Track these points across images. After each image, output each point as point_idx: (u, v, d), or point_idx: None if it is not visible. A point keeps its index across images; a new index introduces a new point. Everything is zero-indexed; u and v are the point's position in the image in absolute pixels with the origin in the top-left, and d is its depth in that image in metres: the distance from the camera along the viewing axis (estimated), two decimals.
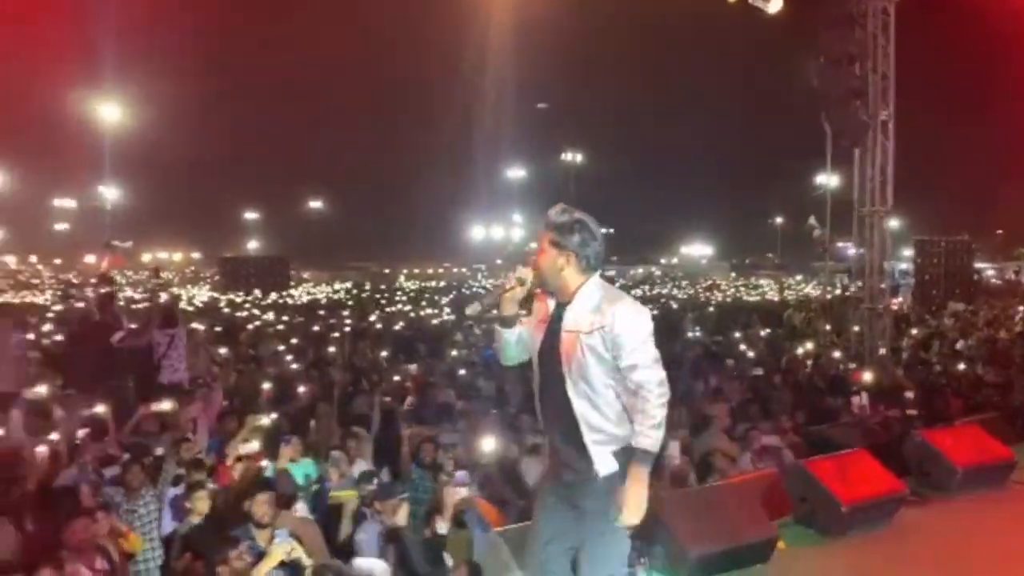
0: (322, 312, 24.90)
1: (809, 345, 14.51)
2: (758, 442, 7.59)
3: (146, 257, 66.08)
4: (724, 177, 76.71)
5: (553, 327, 3.27)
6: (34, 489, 6.50)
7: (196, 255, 72.68)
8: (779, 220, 71.93)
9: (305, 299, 36.99)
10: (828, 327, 17.05)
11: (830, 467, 5.56)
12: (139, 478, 6.52)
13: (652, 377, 3.07)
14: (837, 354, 13.84)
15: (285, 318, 22.64)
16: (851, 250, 16.07)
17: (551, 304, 3.32)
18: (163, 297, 15.82)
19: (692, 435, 8.00)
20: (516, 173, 60.31)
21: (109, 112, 33.70)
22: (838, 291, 20.69)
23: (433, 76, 72.21)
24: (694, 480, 6.71)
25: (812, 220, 17.88)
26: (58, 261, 68.36)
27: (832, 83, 13.61)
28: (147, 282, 14.27)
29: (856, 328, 14.81)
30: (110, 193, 38.13)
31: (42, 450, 7.21)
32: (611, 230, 79.68)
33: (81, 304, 20.80)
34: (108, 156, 35.92)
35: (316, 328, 18.81)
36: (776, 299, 36.69)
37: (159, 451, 7.54)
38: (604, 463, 3.12)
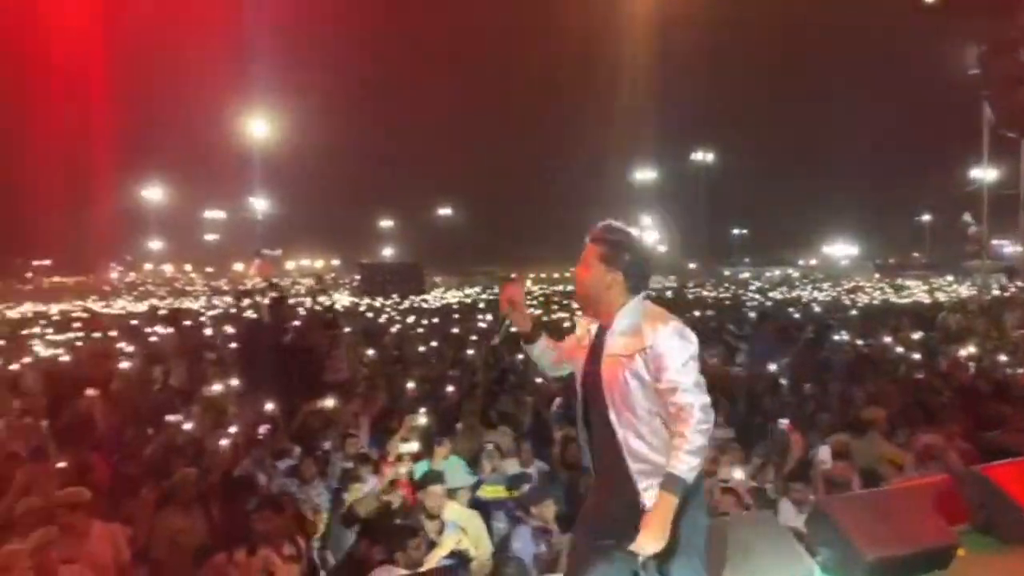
0: (457, 316, 25.49)
1: (971, 348, 13.76)
2: (922, 447, 7.31)
3: (290, 265, 69.45)
4: (866, 173, 73.31)
5: (595, 352, 3.15)
6: (217, 479, 7.04)
7: (335, 262, 75.92)
8: (926, 217, 68.25)
9: (438, 303, 37.87)
10: (988, 329, 16.10)
11: (1010, 473, 5.30)
12: (312, 470, 6.97)
13: (693, 401, 2.89)
14: (1003, 357, 13.07)
15: (424, 321, 23.31)
16: (1008, 248, 15.16)
17: (593, 329, 3.20)
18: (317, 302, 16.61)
19: (852, 439, 7.79)
20: (645, 175, 59.74)
21: (257, 128, 35.77)
22: (995, 291, 19.55)
23: (561, 79, 72.55)
24: (858, 486, 6.53)
25: (967, 216, 16.97)
26: (210, 269, 72.94)
27: (995, 71, 12.88)
28: (314, 288, 15.00)
29: (1020, 330, 13.95)
30: (259, 204, 40.36)
31: (224, 443, 7.81)
32: (745, 231, 77.74)
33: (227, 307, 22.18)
34: (258, 169, 38.06)
35: (455, 331, 19.29)
36: (927, 301, 34.78)
37: (326, 446, 8.01)
38: (651, 495, 2.95)
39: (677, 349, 2.95)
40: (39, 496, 5.80)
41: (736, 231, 76.43)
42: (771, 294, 38.23)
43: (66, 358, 14.27)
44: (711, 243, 71.35)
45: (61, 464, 6.77)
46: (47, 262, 71.47)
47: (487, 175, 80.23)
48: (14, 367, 13.47)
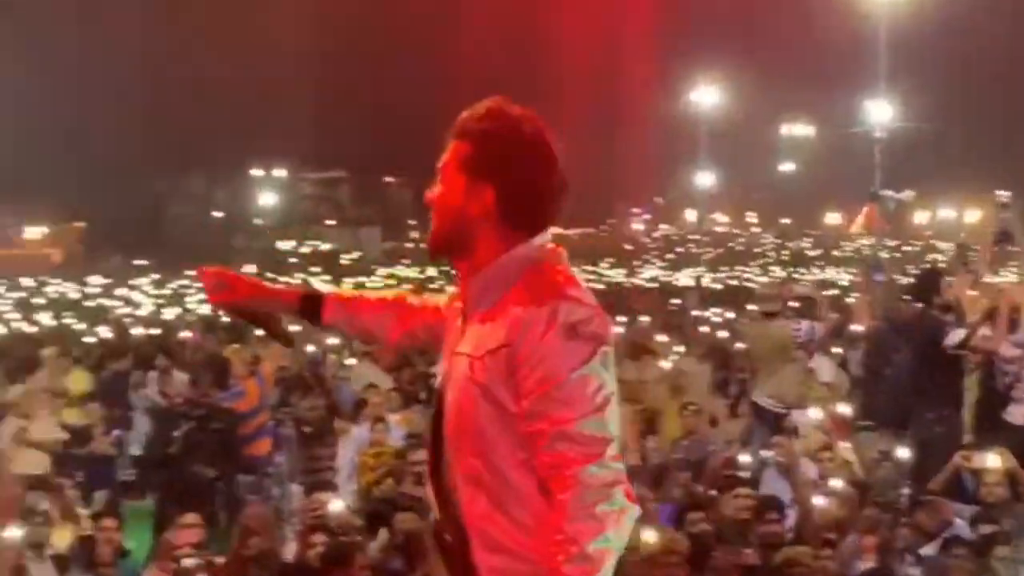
0: None
1: None
2: None
3: (920, 217, 69.49)
4: None
5: (449, 344, 2.96)
6: None
7: (1005, 214, 74.63)
8: None
9: None
10: None
11: None
12: None
13: (577, 456, 2.55)
14: None
15: None
16: None
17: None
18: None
19: None
20: None
21: None
22: None
23: None
24: None
25: None
26: (786, 220, 75.92)
27: None
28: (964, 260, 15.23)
29: None
30: (877, 113, 41.13)
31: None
32: None
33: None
34: (880, 55, 39.33)
35: None
36: None
37: None
38: None
39: (561, 352, 2.62)
40: None
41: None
42: None
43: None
44: None
45: None
46: None
47: None
48: None
